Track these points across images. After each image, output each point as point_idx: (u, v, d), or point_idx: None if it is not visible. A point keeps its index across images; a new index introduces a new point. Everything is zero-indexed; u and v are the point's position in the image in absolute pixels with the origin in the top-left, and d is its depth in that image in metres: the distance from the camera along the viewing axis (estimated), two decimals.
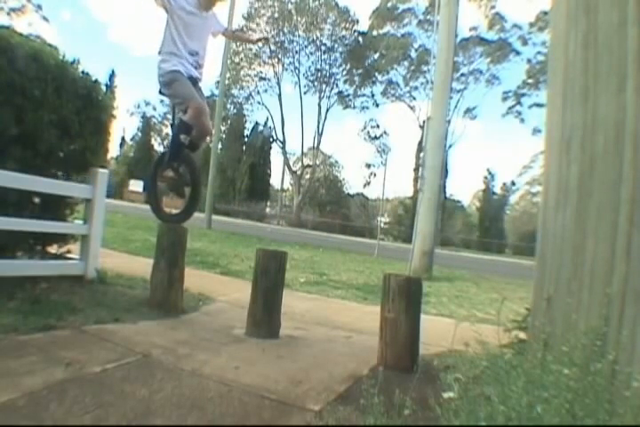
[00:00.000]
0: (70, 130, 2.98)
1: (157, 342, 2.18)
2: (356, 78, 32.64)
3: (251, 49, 31.68)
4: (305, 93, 32.51)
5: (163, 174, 3.21)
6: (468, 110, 31.44)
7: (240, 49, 31.78)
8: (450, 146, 28.69)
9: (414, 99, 32.10)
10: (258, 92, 33.20)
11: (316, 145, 33.07)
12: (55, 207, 3.11)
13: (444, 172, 21.88)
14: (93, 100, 3.16)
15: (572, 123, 1.78)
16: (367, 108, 33.55)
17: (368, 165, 31.94)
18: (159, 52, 3.03)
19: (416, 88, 31.56)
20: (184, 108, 3.03)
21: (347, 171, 45.37)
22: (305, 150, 33.95)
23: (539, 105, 28.06)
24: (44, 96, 2.76)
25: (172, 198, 3.58)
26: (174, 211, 3.30)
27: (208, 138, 3.39)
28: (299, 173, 33.69)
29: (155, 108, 39.61)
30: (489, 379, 1.44)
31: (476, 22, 30.79)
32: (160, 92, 3.15)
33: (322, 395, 1.75)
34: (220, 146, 22.19)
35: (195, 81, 3.07)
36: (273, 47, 31.21)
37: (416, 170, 27.80)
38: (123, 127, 40.13)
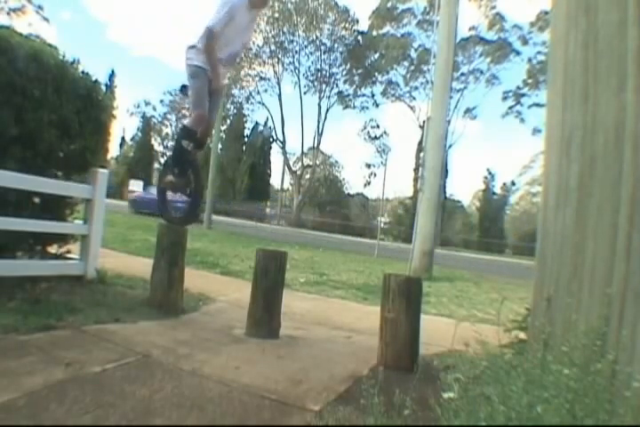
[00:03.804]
0: (70, 130, 2.97)
1: (157, 342, 2.18)
2: (356, 78, 32.60)
3: (251, 49, 31.67)
4: (305, 93, 32.50)
5: (165, 180, 3.25)
6: (467, 110, 31.41)
7: None
8: (450, 146, 28.66)
9: (414, 99, 32.08)
10: (258, 92, 33.13)
11: (315, 145, 33.04)
12: (55, 207, 3.10)
13: (444, 172, 21.86)
14: (93, 100, 3.16)
15: (571, 123, 1.78)
16: (367, 108, 33.53)
17: (368, 165, 31.91)
18: (193, 46, 2.98)
19: (416, 88, 31.54)
20: (190, 110, 3.06)
21: (347, 171, 45.47)
22: (305, 150, 33.94)
23: (539, 105, 28.03)
24: (43, 96, 2.75)
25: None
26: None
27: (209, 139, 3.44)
28: (299, 173, 33.67)
29: (155, 109, 39.58)
30: (489, 379, 1.44)
31: (476, 22, 30.67)
32: (180, 91, 3.17)
33: (322, 395, 1.75)
34: (220, 146, 22.18)
35: (215, 90, 3.06)
36: (273, 47, 31.21)
37: (416, 170, 27.78)
38: (123, 127, 40.14)
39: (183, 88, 3.14)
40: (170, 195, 3.38)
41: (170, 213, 3.35)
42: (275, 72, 32.39)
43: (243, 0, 2.92)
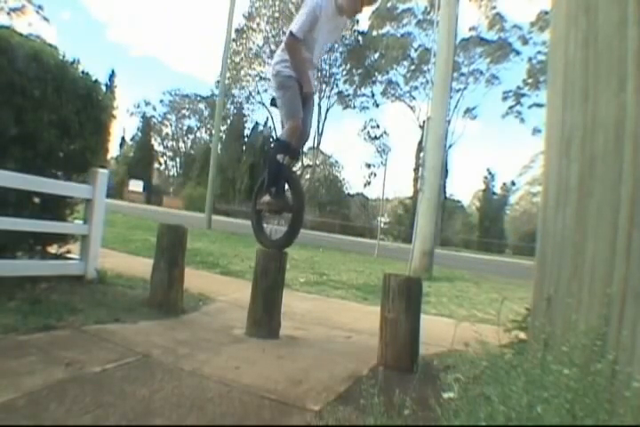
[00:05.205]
0: (70, 130, 2.97)
1: (157, 342, 2.17)
2: (356, 78, 32.67)
3: (251, 49, 31.72)
4: None
5: (261, 201, 2.99)
6: (467, 110, 31.50)
7: (240, 49, 31.82)
8: (450, 146, 28.75)
9: (414, 99, 32.18)
10: (258, 92, 33.20)
11: (315, 145, 33.09)
12: (55, 207, 3.10)
13: (444, 172, 21.88)
14: (93, 100, 3.16)
15: (571, 123, 1.78)
16: (367, 108, 33.65)
17: (368, 165, 32.03)
18: (279, 56, 2.90)
19: (416, 88, 31.64)
20: (284, 122, 2.92)
21: (347, 171, 45.53)
22: (305, 150, 33.93)
23: (539, 105, 28.11)
24: (43, 96, 2.75)
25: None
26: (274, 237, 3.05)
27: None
28: (299, 172, 33.69)
29: (155, 109, 39.70)
30: (489, 379, 1.44)
31: (476, 22, 30.80)
32: (271, 104, 3.03)
33: (322, 395, 1.75)
34: (219, 146, 22.21)
35: (307, 96, 2.92)
36: (273, 47, 31.20)
37: (416, 170, 27.81)
38: (123, 127, 40.26)
39: (273, 100, 3.02)
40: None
41: (266, 235, 3.08)
42: None
43: (328, 4, 2.80)
